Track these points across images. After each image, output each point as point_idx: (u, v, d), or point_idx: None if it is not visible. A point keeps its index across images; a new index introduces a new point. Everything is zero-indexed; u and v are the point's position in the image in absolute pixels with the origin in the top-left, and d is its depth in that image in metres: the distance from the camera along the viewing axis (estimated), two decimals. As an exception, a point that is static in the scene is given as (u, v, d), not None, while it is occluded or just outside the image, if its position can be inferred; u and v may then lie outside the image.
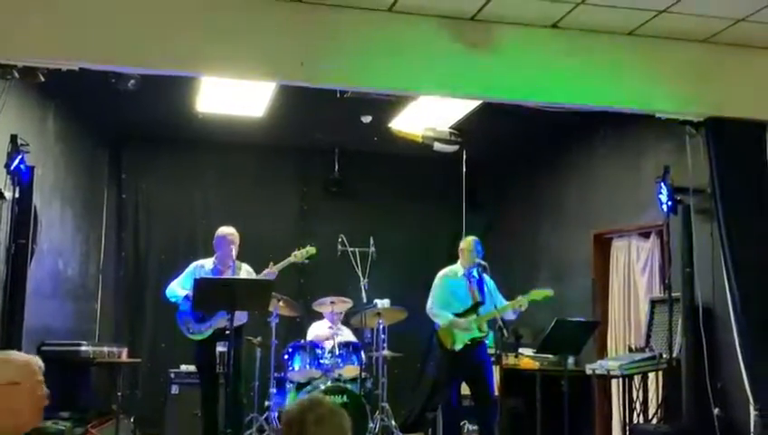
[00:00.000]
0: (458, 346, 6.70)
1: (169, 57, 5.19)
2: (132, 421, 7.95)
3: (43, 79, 5.21)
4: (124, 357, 7.97)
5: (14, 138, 5.57)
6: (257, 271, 6.74)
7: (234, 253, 6.69)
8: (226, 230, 6.74)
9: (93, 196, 8.80)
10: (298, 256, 6.95)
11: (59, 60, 5.02)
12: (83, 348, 7.13)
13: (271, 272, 6.65)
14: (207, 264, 6.76)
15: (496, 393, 6.86)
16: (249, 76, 5.60)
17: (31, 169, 5.69)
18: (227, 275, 6.62)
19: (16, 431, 2.73)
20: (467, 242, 6.95)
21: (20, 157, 5.54)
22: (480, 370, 6.77)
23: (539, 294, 6.71)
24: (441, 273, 7.01)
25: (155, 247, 9.20)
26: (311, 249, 7.01)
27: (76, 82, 5.51)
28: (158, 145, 9.14)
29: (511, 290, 6.91)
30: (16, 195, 5.58)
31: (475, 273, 6.79)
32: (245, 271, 6.73)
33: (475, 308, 6.75)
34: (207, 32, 5.20)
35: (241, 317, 6.52)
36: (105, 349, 7.59)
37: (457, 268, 6.95)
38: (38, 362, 2.89)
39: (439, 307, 6.82)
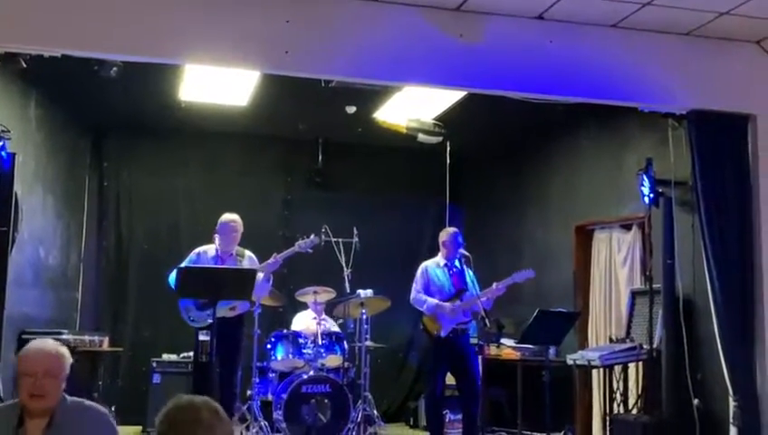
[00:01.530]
0: (444, 332, 6.74)
1: (152, 44, 5.15)
2: (113, 410, 7.92)
3: (24, 65, 5.17)
4: (105, 346, 7.94)
5: (-6, 124, 5.53)
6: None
7: (235, 240, 6.65)
8: (230, 217, 6.69)
9: (75, 184, 8.74)
10: (302, 245, 6.91)
11: (41, 46, 4.98)
12: (64, 337, 7.07)
13: (276, 261, 6.64)
14: (210, 250, 6.68)
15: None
16: (233, 64, 5.56)
17: (12, 156, 5.64)
18: (228, 262, 6.59)
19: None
20: (448, 234, 7.01)
21: (1, 144, 5.49)
22: (465, 360, 6.81)
23: (520, 275, 6.75)
24: (424, 263, 7.08)
25: (137, 236, 9.15)
26: (315, 239, 6.97)
27: (58, 69, 5.48)
28: (141, 133, 9.07)
29: (493, 280, 6.93)
30: (-3, 182, 5.53)
31: (457, 263, 6.85)
32: (248, 258, 6.68)
33: (458, 295, 6.81)
34: (191, 19, 5.17)
35: (243, 306, 6.50)
36: (86, 338, 7.55)
37: (439, 259, 7.01)
38: (25, 360, 3.12)
39: (423, 294, 6.86)
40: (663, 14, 5.61)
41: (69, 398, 3.21)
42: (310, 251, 6.98)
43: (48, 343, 3.23)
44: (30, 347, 3.20)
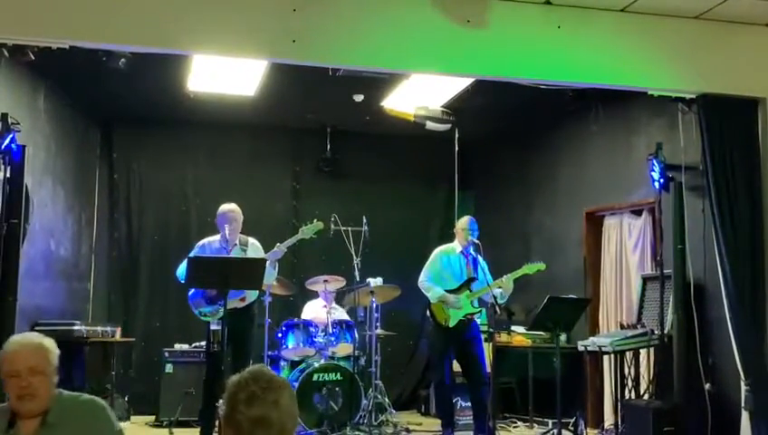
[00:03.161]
0: (453, 322, 6.74)
1: (160, 34, 5.16)
2: (126, 400, 7.98)
3: (33, 57, 5.17)
4: (118, 337, 7.97)
5: (4, 116, 5.53)
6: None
7: (236, 230, 6.64)
8: (227, 207, 6.67)
9: (85, 175, 8.77)
10: (306, 231, 6.87)
11: (49, 38, 4.98)
12: (77, 328, 7.14)
13: (279, 250, 6.64)
14: (215, 241, 6.68)
15: (488, 370, 6.89)
16: (240, 53, 5.56)
17: (22, 148, 5.65)
18: (233, 252, 6.59)
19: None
20: (463, 221, 7.05)
21: (11, 136, 5.49)
22: (470, 346, 6.81)
23: (531, 268, 6.75)
24: (438, 249, 7.11)
25: (147, 227, 9.18)
26: (318, 224, 6.90)
27: (67, 61, 5.47)
28: (150, 124, 9.08)
29: (503, 268, 6.93)
30: (7, 174, 5.54)
31: (471, 250, 6.86)
32: (251, 245, 6.68)
33: (468, 284, 6.81)
34: (198, 9, 5.17)
35: (250, 296, 6.50)
36: (98, 328, 7.59)
37: (455, 245, 7.04)
38: (5, 359, 2.83)
39: (431, 281, 6.86)
40: (672, -2, 5.59)
41: (64, 392, 2.96)
42: (314, 236, 6.96)
43: (29, 337, 2.92)
44: (9, 343, 2.87)
